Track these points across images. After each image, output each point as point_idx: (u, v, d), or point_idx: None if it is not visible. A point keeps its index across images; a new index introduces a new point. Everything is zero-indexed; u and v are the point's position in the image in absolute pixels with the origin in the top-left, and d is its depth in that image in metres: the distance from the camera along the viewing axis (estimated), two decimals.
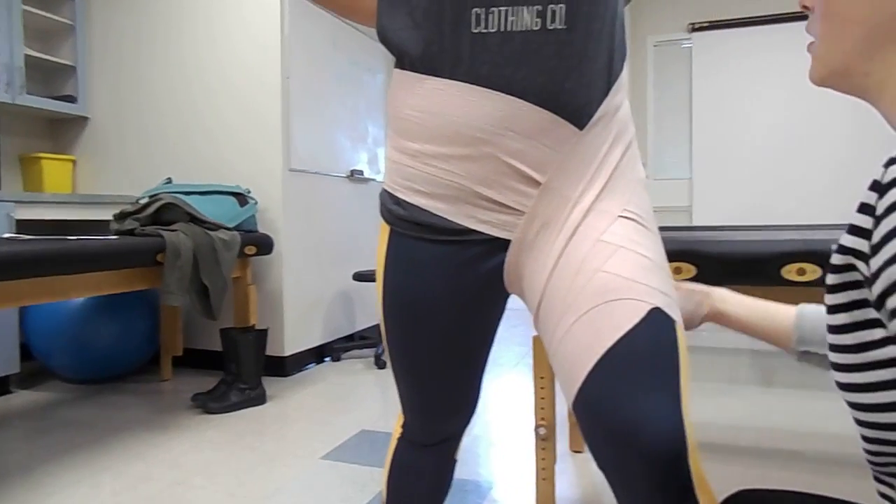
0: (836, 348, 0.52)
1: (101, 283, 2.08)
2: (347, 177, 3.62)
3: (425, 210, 0.81)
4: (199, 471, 1.96)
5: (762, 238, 1.28)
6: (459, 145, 0.77)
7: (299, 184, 3.18)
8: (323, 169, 3.38)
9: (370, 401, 2.69)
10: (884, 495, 0.52)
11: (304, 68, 3.18)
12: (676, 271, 1.33)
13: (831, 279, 0.51)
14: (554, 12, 0.73)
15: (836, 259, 0.50)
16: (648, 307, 0.73)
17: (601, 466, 0.75)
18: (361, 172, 3.73)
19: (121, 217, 2.44)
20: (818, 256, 1.21)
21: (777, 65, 4.46)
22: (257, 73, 3.03)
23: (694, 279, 1.32)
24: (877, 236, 0.42)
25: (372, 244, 3.95)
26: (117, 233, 2.38)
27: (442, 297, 0.83)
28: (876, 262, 0.42)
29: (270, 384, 2.89)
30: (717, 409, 2.49)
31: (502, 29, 0.73)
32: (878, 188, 0.42)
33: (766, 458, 1.98)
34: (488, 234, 0.80)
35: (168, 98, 3.21)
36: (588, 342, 0.73)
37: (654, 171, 4.92)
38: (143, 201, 2.62)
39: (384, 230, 0.88)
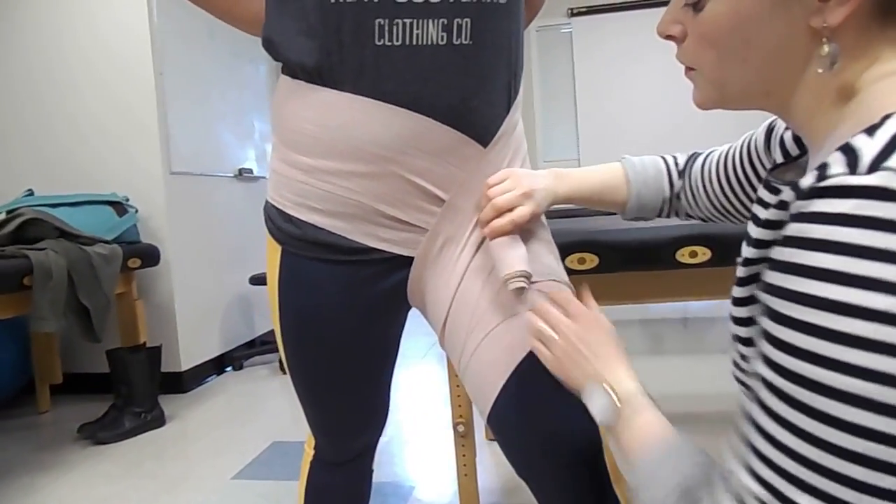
0: (737, 338, 0.54)
1: None
2: (235, 176, 3.43)
3: (321, 229, 0.77)
4: None
5: (654, 225, 1.34)
6: (361, 163, 0.73)
7: (183, 187, 2.97)
8: (208, 169, 3.18)
9: (279, 409, 2.59)
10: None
11: (180, 60, 2.96)
12: (581, 262, 1.37)
13: (741, 272, 0.52)
14: (460, 26, 0.71)
15: (749, 252, 0.50)
16: (547, 278, 0.75)
17: (522, 476, 0.76)
18: (251, 171, 3.55)
19: None
20: (708, 239, 1.29)
21: (654, 47, 4.71)
22: (127, 65, 2.78)
23: (596, 269, 1.37)
24: (772, 254, 0.43)
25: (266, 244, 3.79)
26: None
27: (341, 317, 0.80)
28: (766, 277, 0.43)
29: (168, 403, 2.70)
30: None
31: (407, 42, 0.70)
32: (785, 208, 0.43)
33: None
34: (389, 252, 0.78)
35: (25, 96, 2.87)
36: (498, 358, 0.74)
37: (543, 152, 5.07)
38: None
39: (274, 249, 0.82)
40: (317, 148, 0.75)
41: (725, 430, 0.47)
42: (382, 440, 2.15)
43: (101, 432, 2.30)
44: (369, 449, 1.00)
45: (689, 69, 0.55)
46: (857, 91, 0.46)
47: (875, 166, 0.37)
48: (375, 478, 1.87)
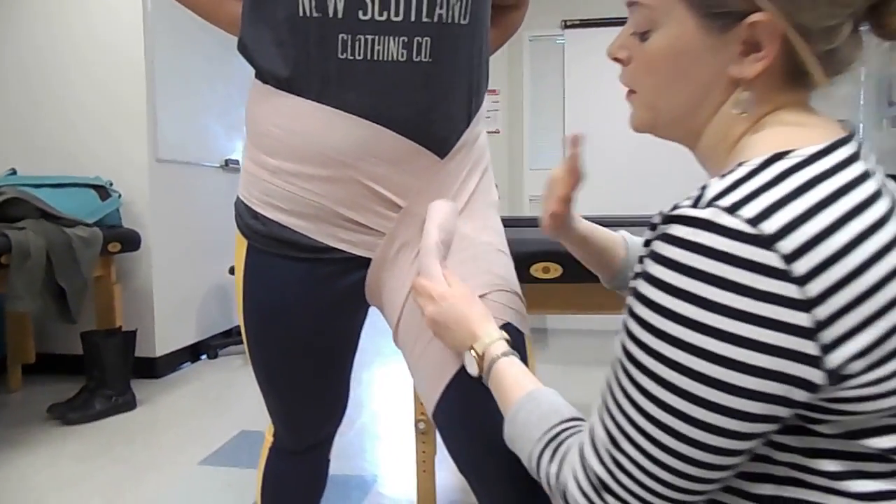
0: None
1: None
2: (221, 166, 3.46)
3: (285, 227, 0.81)
4: (57, 488, 1.83)
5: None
6: (321, 167, 0.78)
7: (168, 175, 2.99)
8: (194, 158, 3.20)
9: (249, 399, 2.62)
10: None
11: (171, 50, 2.98)
12: (545, 271, 1.42)
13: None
14: (420, 45, 0.75)
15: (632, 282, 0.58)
16: (500, 322, 0.78)
17: (462, 470, 0.80)
18: (237, 162, 3.57)
19: None
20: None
21: None
22: (117, 51, 2.80)
23: (560, 278, 1.42)
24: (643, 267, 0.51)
25: None
26: None
27: (300, 312, 0.85)
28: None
29: (141, 387, 2.72)
30: (587, 389, 2.68)
31: (369, 57, 0.74)
32: (661, 220, 0.50)
33: None
34: (348, 253, 0.82)
35: (13, 77, 2.88)
36: (445, 357, 0.78)
37: (530, 161, 5.14)
38: None
39: (241, 242, 0.87)
40: (282, 151, 0.79)
41: None
42: (352, 433, 2.20)
43: (70, 413, 2.32)
44: (326, 440, 1.04)
45: (630, 93, 0.61)
46: (749, 137, 0.53)
47: (710, 203, 0.46)
48: (341, 470, 1.92)
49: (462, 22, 0.78)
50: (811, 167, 0.46)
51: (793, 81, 0.52)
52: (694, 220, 0.45)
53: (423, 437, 1.64)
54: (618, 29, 0.62)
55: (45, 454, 2.06)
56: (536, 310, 1.48)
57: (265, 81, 0.80)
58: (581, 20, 4.96)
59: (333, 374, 0.93)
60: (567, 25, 4.96)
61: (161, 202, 2.94)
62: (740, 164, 0.48)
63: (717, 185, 0.47)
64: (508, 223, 1.32)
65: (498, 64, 4.75)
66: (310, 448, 1.00)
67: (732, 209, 0.44)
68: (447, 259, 0.80)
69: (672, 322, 0.46)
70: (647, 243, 0.52)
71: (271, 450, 1.01)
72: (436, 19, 0.75)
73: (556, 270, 1.45)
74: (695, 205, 0.47)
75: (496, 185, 0.94)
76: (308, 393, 0.92)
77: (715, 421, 0.45)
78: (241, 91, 3.66)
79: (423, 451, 1.64)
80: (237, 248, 0.87)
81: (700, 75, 0.54)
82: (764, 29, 0.49)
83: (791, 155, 0.47)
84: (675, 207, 0.48)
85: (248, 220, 0.84)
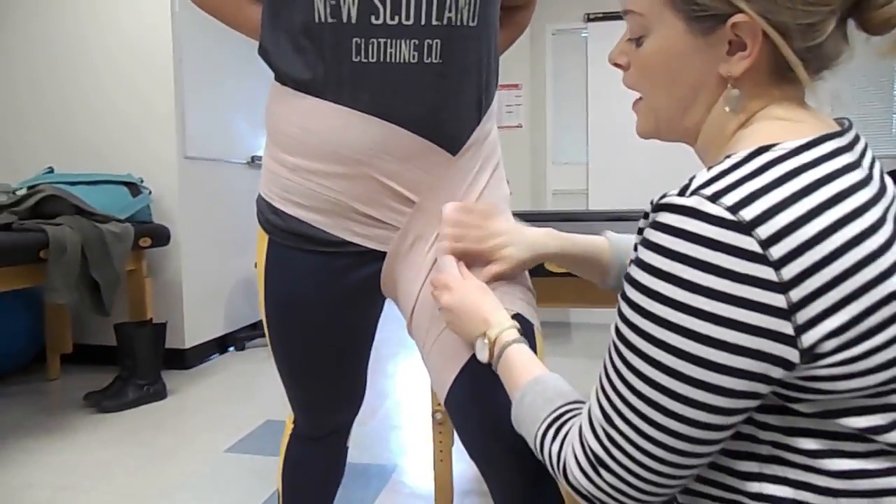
0: None
1: None
2: (247, 163, 3.54)
3: (303, 222, 0.85)
4: (90, 473, 1.91)
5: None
6: (338, 164, 0.81)
7: (196, 172, 3.07)
8: (221, 155, 3.28)
9: (275, 390, 2.69)
10: None
11: (198, 49, 3.06)
12: None
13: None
14: (430, 47, 0.79)
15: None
16: (511, 312, 0.81)
17: (472, 456, 0.84)
18: (262, 158, 3.64)
19: None
20: None
21: None
22: (146, 53, 2.89)
23: None
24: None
25: None
26: None
27: (317, 303, 0.89)
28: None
29: (171, 378, 2.82)
30: None
31: (381, 60, 0.78)
32: (651, 207, 0.53)
33: None
34: (363, 247, 0.86)
35: (48, 79, 2.99)
36: (456, 347, 0.81)
37: (554, 154, 5.13)
38: (20, 192, 2.45)
39: (262, 237, 0.91)
40: (300, 149, 0.83)
41: None
42: (373, 423, 2.25)
43: (105, 401, 2.42)
44: (344, 427, 1.08)
45: (636, 102, 0.64)
46: (740, 132, 0.56)
47: (694, 192, 0.49)
48: (361, 459, 1.97)
49: (471, 24, 0.81)
50: (793, 159, 0.49)
51: (781, 78, 0.54)
52: (679, 208, 0.48)
53: (440, 427, 1.68)
54: None
55: (82, 440, 2.16)
56: (554, 303, 1.51)
57: (284, 83, 0.84)
58: (604, 13, 4.93)
59: (350, 363, 0.97)
60: (590, 18, 4.93)
61: (189, 198, 3.02)
62: (727, 157, 0.51)
63: (702, 176, 0.50)
64: (531, 217, 1.34)
65: (520, 58, 4.76)
66: (328, 435, 1.05)
67: (714, 197, 0.47)
68: None
69: (658, 303, 0.49)
70: (641, 231, 0.55)
71: (291, 437, 1.06)
72: (445, 22, 0.78)
73: None
74: (681, 193, 0.50)
75: (507, 181, 0.97)
76: (326, 381, 0.96)
77: (699, 397, 0.48)
78: (267, 88, 3.72)
79: (441, 441, 1.68)
80: (259, 243, 0.92)
81: (691, 76, 0.57)
82: (746, 29, 0.52)
83: (775, 148, 0.50)
84: (664, 196, 0.51)
85: (268, 215, 0.89)
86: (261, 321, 3.35)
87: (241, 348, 3.39)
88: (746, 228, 0.46)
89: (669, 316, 0.48)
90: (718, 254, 0.46)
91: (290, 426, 1.07)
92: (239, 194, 3.47)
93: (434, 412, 1.67)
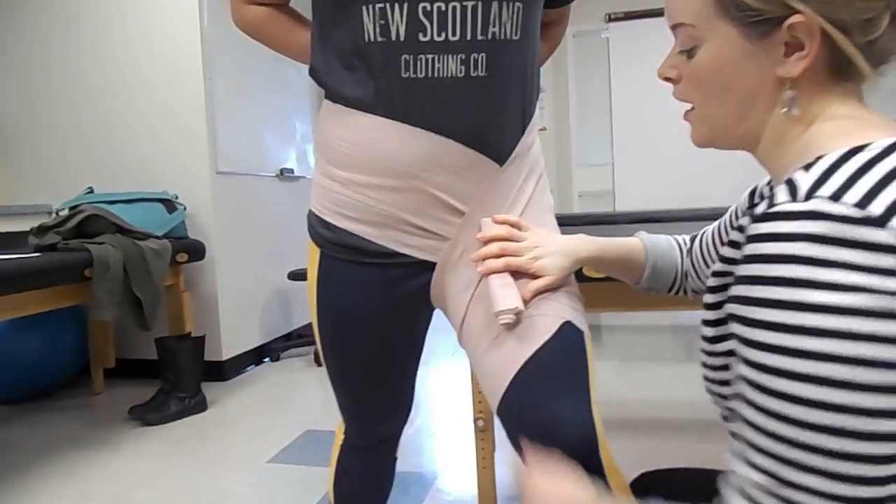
0: (704, 338, 0.63)
1: (24, 303, 2.02)
2: (277, 176, 3.59)
3: (354, 234, 0.88)
4: (140, 483, 1.96)
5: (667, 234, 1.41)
6: (390, 177, 0.84)
7: (228, 186, 3.14)
8: (251, 169, 3.34)
9: (312, 400, 2.73)
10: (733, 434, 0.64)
11: (227, 65, 3.13)
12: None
13: (712, 281, 0.61)
14: (476, 61, 0.80)
15: (718, 266, 0.60)
16: (560, 321, 0.82)
17: (525, 464, 0.84)
18: (291, 171, 3.71)
19: (40, 231, 2.36)
20: None
21: None
22: (177, 73, 2.96)
23: None
24: (737, 271, 0.52)
25: (305, 241, 3.92)
26: (38, 248, 2.30)
27: (370, 313, 0.91)
28: (731, 291, 0.52)
29: (210, 389, 2.87)
30: (644, 385, 2.67)
31: (430, 75, 0.80)
32: (754, 219, 0.51)
33: (689, 431, 2.16)
34: (414, 257, 0.88)
35: (84, 102, 3.08)
36: (508, 355, 0.82)
37: (578, 156, 5.11)
38: (63, 213, 2.53)
39: (314, 251, 0.94)
40: (352, 163, 0.86)
41: None
42: (410, 432, 2.27)
43: (149, 414, 2.48)
44: (394, 436, 1.10)
45: (687, 112, 0.64)
46: (809, 132, 0.56)
47: (809, 195, 0.47)
48: (400, 468, 1.98)
49: (514, 38, 0.82)
50: (892, 156, 0.48)
51: (838, 75, 0.55)
52: (800, 213, 0.46)
53: (481, 434, 1.68)
54: (662, 20, 0.65)
55: (129, 452, 2.21)
56: (591, 308, 1.51)
57: (334, 101, 0.87)
58: (625, 13, 4.90)
59: (402, 371, 0.99)
60: (611, 19, 4.91)
61: (222, 212, 3.08)
62: (819, 158, 0.50)
63: (806, 179, 0.49)
64: (559, 221, 1.35)
65: None
66: (379, 444, 1.06)
67: (835, 197, 0.46)
68: None
69: (809, 313, 0.45)
70: (734, 244, 0.54)
71: (343, 447, 1.08)
72: (490, 36, 0.80)
73: None
74: (792, 199, 0.48)
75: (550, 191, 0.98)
76: (379, 391, 0.98)
77: (875, 404, 0.45)
78: (295, 101, 3.79)
79: (483, 448, 1.69)
80: (310, 257, 0.94)
81: (747, 82, 0.57)
82: (803, 28, 0.52)
83: (870, 147, 0.49)
84: (771, 206, 0.49)
85: (319, 229, 0.91)
86: (294, 332, 3.40)
87: (276, 359, 3.44)
88: (880, 222, 0.44)
89: (823, 323, 0.45)
90: (856, 251, 0.44)
91: (340, 437, 1.09)
92: (269, 207, 3.52)
93: (476, 419, 1.68)
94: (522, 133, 0.88)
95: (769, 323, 0.47)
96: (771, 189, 0.72)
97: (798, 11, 0.51)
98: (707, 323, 0.62)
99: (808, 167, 0.50)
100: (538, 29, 0.89)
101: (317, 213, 0.92)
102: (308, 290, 0.97)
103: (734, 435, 0.62)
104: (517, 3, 0.82)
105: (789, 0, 0.52)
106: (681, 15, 0.59)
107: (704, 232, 0.90)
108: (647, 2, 4.84)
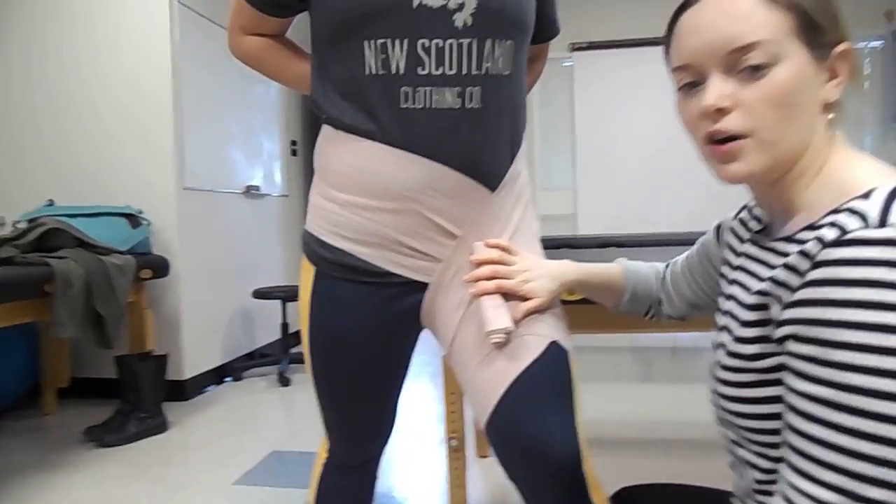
0: (730, 369, 0.64)
1: None
2: (243, 193, 3.56)
3: (350, 254, 0.90)
4: None
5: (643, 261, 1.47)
6: (388, 200, 0.87)
7: (194, 202, 3.09)
8: (218, 186, 3.30)
9: (277, 420, 2.68)
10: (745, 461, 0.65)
11: (197, 83, 3.10)
12: (570, 292, 1.49)
13: (749, 315, 0.62)
14: (471, 94, 0.85)
15: (754, 299, 0.61)
16: (548, 341, 0.86)
17: (511, 478, 0.87)
18: (258, 188, 3.68)
19: None
20: None
21: (650, 83, 4.89)
22: (146, 87, 2.92)
23: (586, 299, 1.48)
24: (799, 295, 0.54)
25: (270, 260, 3.90)
26: None
27: (363, 330, 0.93)
28: (789, 314, 0.55)
29: (171, 410, 2.79)
30: (605, 405, 2.73)
31: (427, 106, 0.84)
32: (808, 257, 0.54)
33: (651, 448, 2.22)
34: (407, 277, 0.91)
35: (47, 111, 3.00)
36: (498, 372, 0.85)
37: (542, 180, 5.22)
38: (20, 226, 2.45)
39: (308, 269, 0.96)
40: (351, 186, 0.88)
41: (709, 454, 0.56)
42: None
43: (106, 435, 2.39)
44: (377, 455, 1.10)
45: (730, 141, 0.60)
46: (829, 164, 0.60)
47: (883, 223, 0.50)
48: None
49: (505, 73, 0.88)
50: None
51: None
52: (879, 241, 0.49)
53: (454, 453, 1.70)
54: (624, 51, 0.69)
55: (86, 476, 2.13)
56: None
57: (335, 127, 0.89)
58: (588, 42, 5.07)
59: (390, 391, 1.00)
60: (575, 48, 5.07)
61: (188, 229, 3.03)
62: (871, 191, 0.53)
63: (871, 208, 0.51)
64: None
65: None
66: (363, 464, 1.07)
67: None
68: None
69: (892, 334, 0.47)
70: (794, 270, 0.55)
71: (326, 465, 1.08)
72: (483, 72, 0.85)
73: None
74: (866, 227, 0.50)
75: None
76: (367, 408, 0.99)
77: None
78: (263, 119, 3.78)
79: (456, 468, 1.70)
80: (303, 275, 0.96)
81: (810, 104, 0.59)
82: (844, 56, 0.58)
83: None
84: (844, 232, 0.51)
85: (315, 248, 0.93)
86: (257, 351, 3.36)
87: (238, 378, 3.37)
88: None
89: None
90: None
91: (323, 454, 1.09)
92: (235, 224, 3.48)
93: (449, 438, 1.69)
94: (512, 161, 0.93)
95: (857, 345, 0.48)
96: (753, 215, 0.77)
97: (845, 40, 0.57)
98: (743, 340, 0.62)
99: (866, 196, 0.53)
100: (525, 65, 0.95)
101: (314, 232, 0.94)
102: (300, 308, 0.98)
103: (734, 451, 0.65)
104: (508, 41, 0.87)
105: (840, 30, 0.57)
106: (755, 33, 0.58)
107: (676, 262, 0.96)
108: (609, 32, 5.03)
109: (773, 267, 0.62)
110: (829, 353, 0.50)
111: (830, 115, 0.60)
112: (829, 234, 0.52)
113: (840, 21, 0.59)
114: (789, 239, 0.62)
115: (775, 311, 0.58)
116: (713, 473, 1.91)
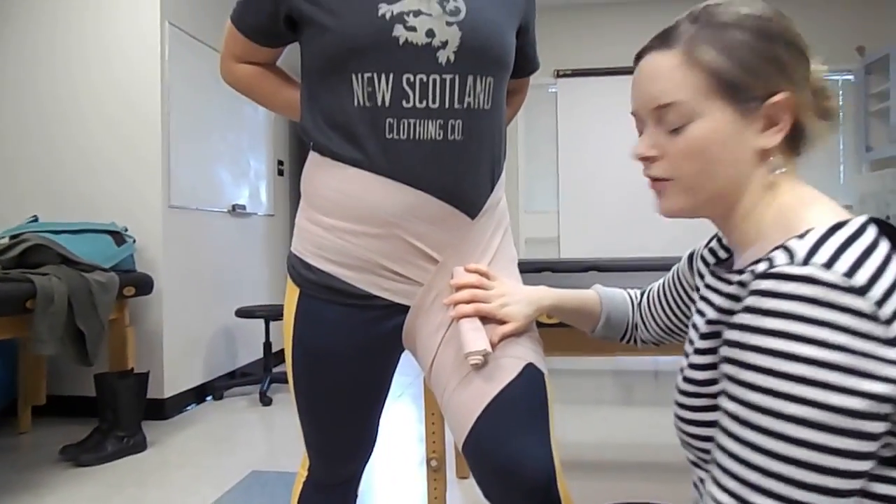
0: (686, 394, 0.68)
1: None
2: (229, 211, 3.57)
3: (334, 276, 0.93)
4: None
5: (620, 285, 1.50)
6: (373, 225, 0.90)
7: (180, 220, 3.10)
8: (204, 204, 3.31)
9: (257, 440, 2.67)
10: (701, 480, 0.70)
11: (186, 102, 3.13)
12: (549, 316, 1.52)
13: (701, 342, 0.66)
14: (454, 126, 0.90)
15: (706, 328, 0.66)
16: (524, 363, 0.89)
17: (487, 496, 0.89)
18: (244, 207, 3.69)
19: None
20: None
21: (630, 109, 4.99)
22: (135, 103, 2.94)
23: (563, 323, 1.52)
24: (734, 319, 0.58)
25: (254, 279, 3.90)
26: None
27: (345, 351, 0.95)
28: (725, 336, 0.59)
29: (150, 429, 2.76)
30: (586, 428, 2.75)
31: (412, 137, 0.88)
32: (744, 287, 0.59)
33: (631, 471, 2.24)
34: (389, 300, 0.94)
35: (35, 127, 3.01)
36: (475, 393, 0.88)
37: (525, 203, 5.29)
38: (3, 241, 2.44)
39: (293, 290, 0.98)
40: (337, 211, 0.92)
41: (689, 478, 0.60)
42: None
43: (83, 454, 2.37)
44: (357, 475, 1.12)
45: (657, 182, 0.69)
46: (780, 201, 0.65)
47: (806, 261, 0.54)
48: None
49: (486, 107, 0.92)
50: (866, 234, 0.57)
51: (793, 144, 0.65)
52: (798, 277, 0.53)
53: (434, 474, 1.71)
54: (607, 78, 0.74)
55: (62, 497, 2.10)
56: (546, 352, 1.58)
57: (322, 154, 0.93)
58: (573, 70, 5.19)
59: (371, 410, 1.02)
60: (559, 74, 5.19)
61: (173, 247, 3.04)
62: (808, 231, 0.58)
63: (801, 247, 0.56)
64: None
65: None
66: (343, 482, 1.09)
67: (828, 265, 0.53)
68: None
69: (795, 362, 0.52)
70: (735, 299, 0.60)
71: (306, 483, 1.09)
72: (465, 106, 0.90)
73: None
74: (790, 264, 0.55)
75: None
76: (348, 428, 1.01)
77: (844, 445, 0.52)
78: (250, 139, 3.81)
79: (436, 488, 1.71)
80: (288, 296, 0.98)
81: (734, 153, 0.64)
82: (781, 106, 0.62)
83: (849, 224, 0.58)
84: (771, 266, 0.56)
85: (300, 270, 0.96)
86: (238, 370, 3.36)
87: (219, 397, 3.35)
88: (862, 292, 0.52)
89: (807, 373, 0.52)
90: (840, 314, 0.51)
91: (303, 473, 1.11)
92: (220, 242, 3.49)
93: (429, 459, 1.71)
94: (492, 190, 0.97)
95: (761, 367, 0.54)
96: (722, 244, 0.82)
97: (779, 91, 0.62)
98: (696, 367, 0.67)
99: (801, 236, 0.57)
100: (504, 100, 1.00)
101: (299, 255, 0.96)
102: (284, 328, 1.00)
103: (702, 481, 0.68)
104: (489, 78, 0.92)
105: (773, 82, 0.62)
106: (672, 94, 0.65)
107: (651, 288, 1.00)
108: (592, 60, 5.15)
109: (724, 296, 0.66)
110: (741, 372, 0.56)
111: (779, 157, 0.64)
112: (761, 267, 0.57)
113: (779, 71, 0.63)
114: (741, 272, 0.66)
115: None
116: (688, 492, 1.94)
